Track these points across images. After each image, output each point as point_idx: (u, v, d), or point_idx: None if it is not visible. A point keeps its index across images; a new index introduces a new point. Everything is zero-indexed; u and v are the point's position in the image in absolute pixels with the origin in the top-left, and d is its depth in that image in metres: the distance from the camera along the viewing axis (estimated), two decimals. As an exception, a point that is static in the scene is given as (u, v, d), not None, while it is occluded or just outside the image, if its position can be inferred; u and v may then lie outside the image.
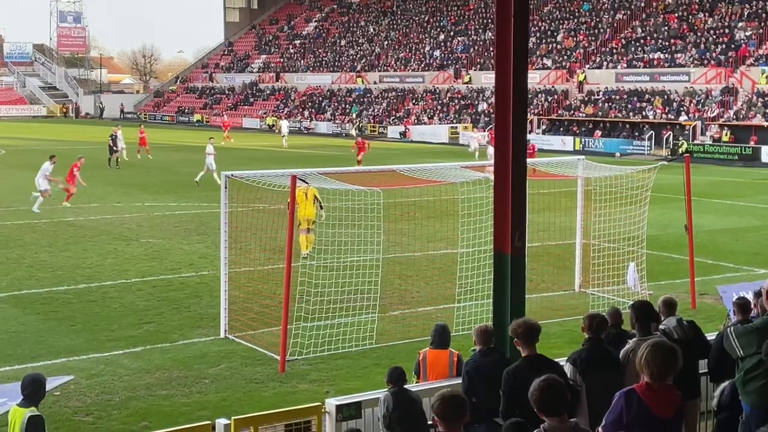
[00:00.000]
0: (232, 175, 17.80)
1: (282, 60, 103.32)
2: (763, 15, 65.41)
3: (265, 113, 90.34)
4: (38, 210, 31.01)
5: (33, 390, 9.43)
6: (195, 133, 77.82)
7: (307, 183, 18.86)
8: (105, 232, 27.74)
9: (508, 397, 7.90)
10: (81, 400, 13.40)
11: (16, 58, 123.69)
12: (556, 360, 9.43)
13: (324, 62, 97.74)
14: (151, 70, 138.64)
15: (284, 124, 70.05)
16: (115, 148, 48.11)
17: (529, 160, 18.33)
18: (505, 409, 7.83)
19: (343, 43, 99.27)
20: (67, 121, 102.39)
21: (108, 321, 17.84)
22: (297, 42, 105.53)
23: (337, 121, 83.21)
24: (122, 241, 26.26)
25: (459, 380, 9.37)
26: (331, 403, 10.45)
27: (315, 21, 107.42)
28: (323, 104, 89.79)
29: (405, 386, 9.92)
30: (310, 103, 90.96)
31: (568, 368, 8.56)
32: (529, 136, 57.68)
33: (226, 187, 17.51)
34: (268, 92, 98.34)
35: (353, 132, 72.15)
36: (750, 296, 10.83)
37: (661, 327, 10.07)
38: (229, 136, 64.05)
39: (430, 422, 8.93)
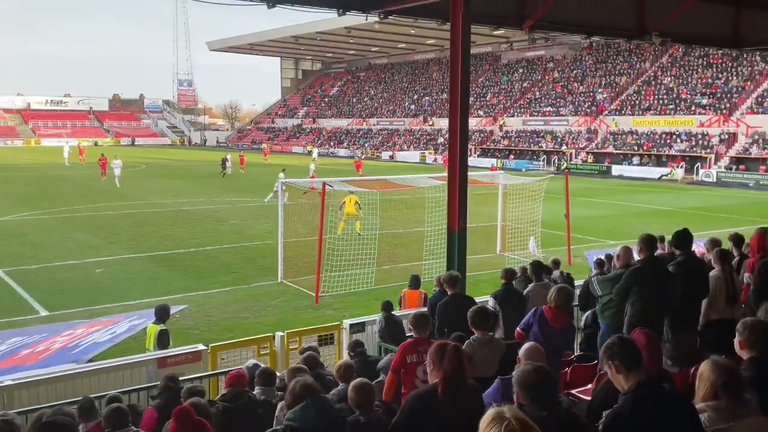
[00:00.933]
0: (286, 181, 17.79)
1: (317, 110, 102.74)
2: (614, 85, 65.45)
3: (306, 143, 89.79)
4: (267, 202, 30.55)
5: (162, 314, 9.49)
6: (261, 155, 77.65)
7: (332, 186, 18.83)
8: (207, 216, 27.67)
9: (440, 320, 7.96)
10: (192, 320, 13.46)
11: (152, 108, 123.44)
12: (482, 297, 9.45)
13: (343, 112, 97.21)
14: (235, 116, 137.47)
15: (315, 151, 69.61)
16: (223, 167, 47.52)
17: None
18: (439, 327, 7.89)
19: (354, 100, 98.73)
20: (183, 148, 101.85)
21: (209, 271, 17.88)
22: (326, 99, 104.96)
23: (351, 149, 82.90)
24: (218, 222, 26.21)
25: (425, 309, 9.40)
26: (347, 322, 10.50)
27: (337, 86, 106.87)
28: (342, 138, 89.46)
29: (392, 312, 9.96)
30: (334, 138, 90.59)
31: (491, 301, 8.58)
32: (472, 160, 58.00)
33: (283, 189, 17.51)
34: (308, 130, 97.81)
35: (360, 155, 71.89)
36: (603, 258, 10.87)
37: (552, 276, 10.12)
38: (267, 159, 61.97)
39: (408, 334, 8.98)
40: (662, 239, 10.89)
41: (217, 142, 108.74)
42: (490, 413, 2.39)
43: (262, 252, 20.28)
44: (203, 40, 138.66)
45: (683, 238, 7.22)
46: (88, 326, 10.72)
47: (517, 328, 6.82)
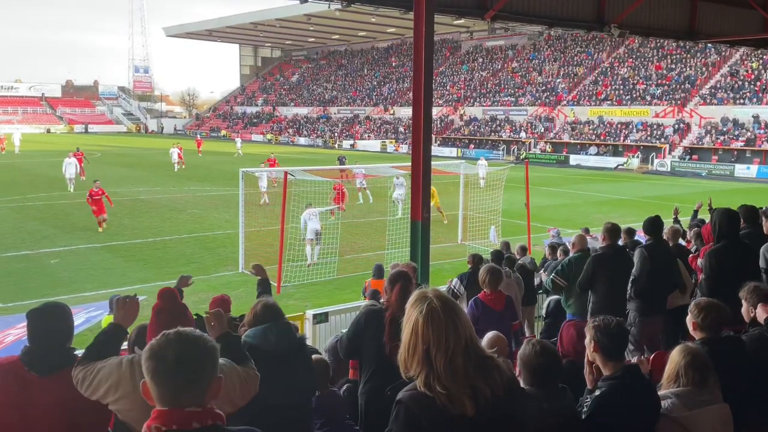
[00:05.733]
0: (246, 171, 17.55)
1: (276, 98, 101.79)
2: (572, 75, 66.24)
3: (265, 131, 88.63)
4: None
5: (120, 305, 9.25)
6: (221, 143, 76.53)
7: (293, 176, 18.62)
8: (165, 206, 27.14)
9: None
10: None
11: (107, 95, 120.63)
12: (443, 286, 9.49)
13: (303, 99, 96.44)
14: (193, 103, 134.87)
15: (238, 141, 61.12)
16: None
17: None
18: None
19: (314, 87, 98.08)
20: (140, 136, 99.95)
21: (168, 261, 17.54)
22: (286, 86, 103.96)
23: (311, 137, 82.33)
24: (176, 212, 25.74)
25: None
26: (309, 312, 10.41)
27: (297, 74, 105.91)
28: (301, 126, 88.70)
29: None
30: (294, 125, 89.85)
31: (455, 282, 8.68)
32: (433, 149, 58.06)
33: (242, 178, 17.26)
34: (267, 118, 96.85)
35: (320, 142, 70.87)
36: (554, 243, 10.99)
37: (519, 262, 10.12)
38: (200, 152, 49.47)
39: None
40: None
41: (175, 129, 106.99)
42: (414, 294, 2.54)
43: (222, 242, 19.99)
44: (159, 27, 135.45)
45: (654, 224, 7.33)
46: (44, 319, 10.41)
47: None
